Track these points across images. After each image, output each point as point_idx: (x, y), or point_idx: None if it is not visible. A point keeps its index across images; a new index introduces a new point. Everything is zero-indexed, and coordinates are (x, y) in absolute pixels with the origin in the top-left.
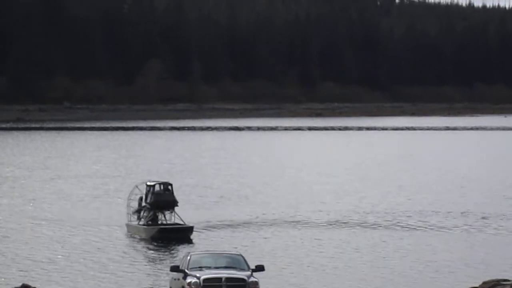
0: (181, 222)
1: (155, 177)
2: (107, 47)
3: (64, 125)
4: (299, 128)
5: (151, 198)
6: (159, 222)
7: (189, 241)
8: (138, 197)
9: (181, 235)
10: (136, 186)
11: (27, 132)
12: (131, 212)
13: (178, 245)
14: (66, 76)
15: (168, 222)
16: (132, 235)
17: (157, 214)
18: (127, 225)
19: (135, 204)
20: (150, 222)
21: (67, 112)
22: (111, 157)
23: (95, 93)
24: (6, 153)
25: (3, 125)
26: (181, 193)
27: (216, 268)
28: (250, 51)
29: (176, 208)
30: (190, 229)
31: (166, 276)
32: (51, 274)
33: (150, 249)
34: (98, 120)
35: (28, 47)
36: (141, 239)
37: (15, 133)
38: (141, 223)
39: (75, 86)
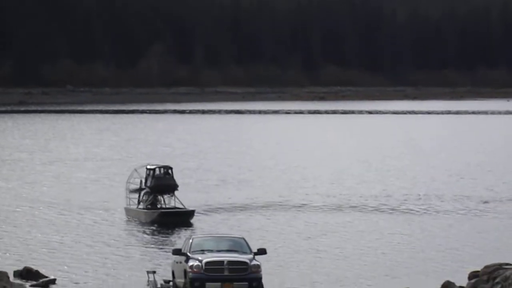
0: (181, 206)
1: (156, 160)
2: (110, 30)
3: (67, 108)
4: (301, 112)
5: (151, 182)
6: (159, 206)
7: (190, 225)
8: (137, 180)
9: (182, 219)
10: (135, 170)
11: (29, 115)
12: (130, 196)
13: (179, 229)
14: (69, 60)
15: (168, 206)
16: (132, 219)
17: (157, 197)
18: (126, 209)
19: (134, 188)
20: (149, 206)
21: (70, 95)
22: (112, 140)
23: (98, 76)
24: (8, 136)
25: (6, 108)
26: (181, 177)
27: (218, 251)
28: (253, 35)
29: (176, 192)
30: (191, 213)
31: (168, 259)
32: (52, 257)
33: (151, 233)
34: (101, 103)
35: (32, 30)
36: (141, 223)
37: (17, 116)
38: (140, 207)
39: (78, 69)
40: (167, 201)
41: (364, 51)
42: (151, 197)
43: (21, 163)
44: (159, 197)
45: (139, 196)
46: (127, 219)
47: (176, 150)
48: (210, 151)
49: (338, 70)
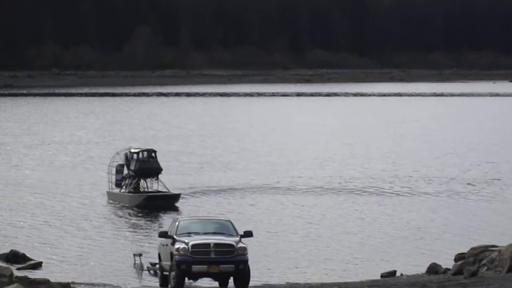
0: (165, 190)
1: (139, 143)
2: (96, 14)
3: (53, 91)
4: (286, 95)
5: (135, 166)
6: (141, 189)
7: (176, 209)
8: (117, 164)
9: (167, 202)
10: (117, 153)
11: (14, 98)
12: (112, 180)
13: (164, 212)
14: (55, 43)
15: (150, 189)
16: (115, 203)
17: (139, 181)
18: (109, 193)
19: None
20: (132, 190)
21: (55, 78)
22: (96, 123)
23: (84, 59)
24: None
25: None
26: (165, 160)
27: (205, 233)
28: (239, 17)
29: (159, 176)
30: (176, 197)
31: (155, 242)
32: (37, 241)
33: (136, 216)
34: (87, 86)
35: (17, 13)
36: (125, 207)
37: (2, 99)
38: (123, 190)
39: (64, 52)
40: (150, 185)
41: (350, 33)
42: (134, 181)
43: (5, 146)
44: (142, 181)
45: (120, 180)
46: (110, 203)
47: (160, 133)
48: (194, 134)
49: (325, 53)
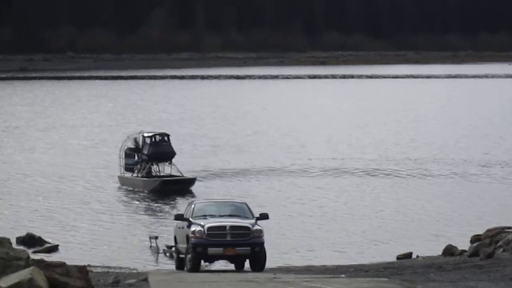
0: (179, 174)
1: (150, 127)
2: None
3: (68, 74)
4: (301, 77)
5: (148, 150)
6: (154, 174)
7: (190, 193)
8: (126, 148)
9: (182, 186)
10: (128, 137)
11: (30, 82)
12: (123, 164)
13: (179, 196)
14: (71, 26)
15: (163, 173)
16: (127, 188)
17: (152, 165)
18: (120, 178)
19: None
20: (145, 174)
21: (71, 61)
22: (108, 106)
23: (99, 42)
24: (5, 103)
25: (7, 75)
26: (178, 143)
27: (221, 216)
28: (254, 0)
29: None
30: (192, 181)
31: (170, 225)
32: (52, 224)
33: (150, 199)
34: (102, 69)
35: None
36: (138, 191)
37: (17, 82)
38: (135, 175)
39: (79, 35)
40: (162, 169)
41: (365, 15)
42: (148, 165)
43: (18, 130)
44: (155, 165)
45: (131, 164)
46: (122, 188)
47: (174, 116)
48: (207, 117)
49: (339, 35)
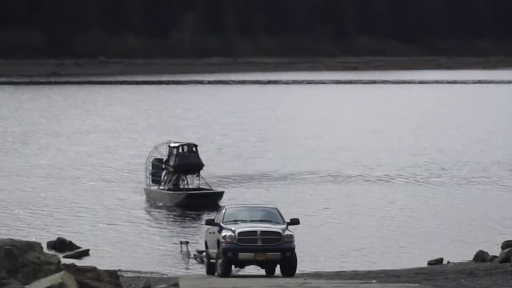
0: (207, 187)
1: (176, 137)
2: (142, 0)
3: (98, 79)
4: (333, 82)
5: (175, 161)
6: (181, 186)
7: (218, 207)
8: (152, 159)
9: (210, 200)
10: (155, 148)
11: (61, 86)
12: (149, 176)
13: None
14: (102, 31)
15: (191, 186)
16: (154, 201)
17: (180, 178)
18: (146, 190)
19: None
20: (172, 187)
21: (102, 66)
22: (136, 112)
23: (130, 47)
24: (35, 107)
25: (38, 79)
26: (204, 150)
27: (251, 221)
28: (285, 4)
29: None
30: (220, 194)
31: (201, 231)
32: (83, 229)
33: (180, 208)
34: (133, 74)
35: (63, 1)
36: (164, 206)
37: (49, 87)
38: (161, 187)
39: (110, 40)
40: (191, 181)
41: (396, 20)
42: (174, 177)
43: (51, 135)
44: (183, 177)
45: (157, 176)
46: (148, 201)
47: (200, 123)
48: (235, 123)
49: (371, 40)
